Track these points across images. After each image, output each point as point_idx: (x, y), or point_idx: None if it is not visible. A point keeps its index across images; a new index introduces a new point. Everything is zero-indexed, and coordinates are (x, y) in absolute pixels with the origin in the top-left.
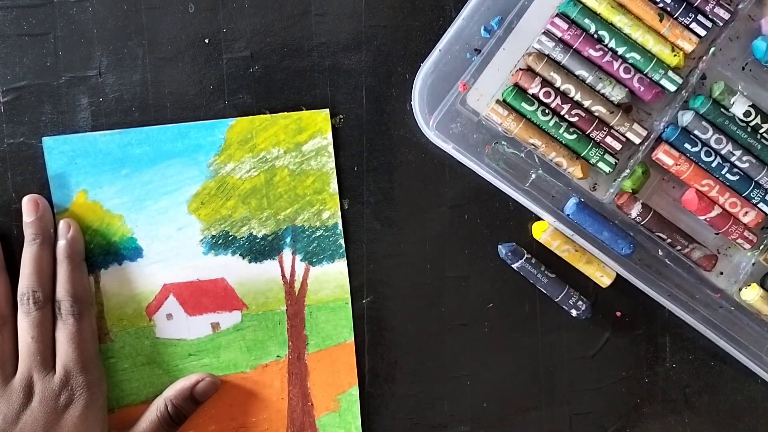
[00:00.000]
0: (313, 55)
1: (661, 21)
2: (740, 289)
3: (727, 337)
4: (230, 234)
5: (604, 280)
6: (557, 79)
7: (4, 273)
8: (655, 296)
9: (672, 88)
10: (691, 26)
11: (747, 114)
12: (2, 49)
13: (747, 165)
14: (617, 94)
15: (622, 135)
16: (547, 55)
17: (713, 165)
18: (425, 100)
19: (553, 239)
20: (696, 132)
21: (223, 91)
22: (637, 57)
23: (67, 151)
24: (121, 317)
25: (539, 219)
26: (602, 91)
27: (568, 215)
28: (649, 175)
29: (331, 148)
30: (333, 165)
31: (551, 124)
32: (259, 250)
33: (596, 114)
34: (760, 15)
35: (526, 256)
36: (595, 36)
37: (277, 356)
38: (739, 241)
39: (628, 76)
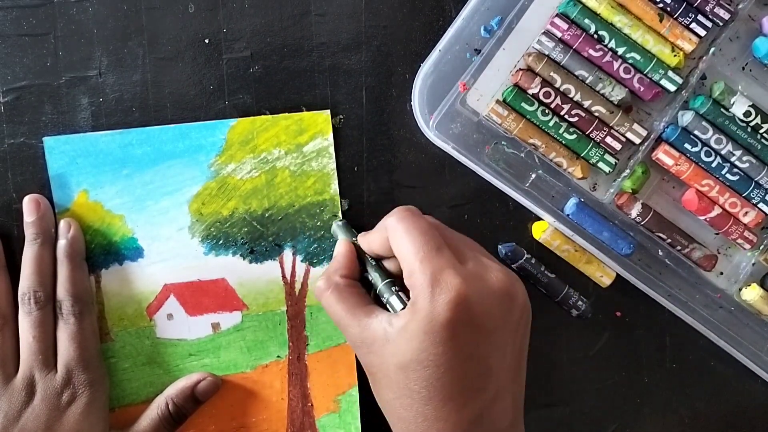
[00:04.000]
0: (313, 55)
1: (661, 21)
2: (740, 289)
3: (727, 337)
4: (231, 235)
5: (604, 280)
6: (557, 79)
7: (5, 273)
8: (655, 296)
9: (672, 88)
10: (691, 26)
11: (747, 114)
12: (2, 49)
13: (747, 165)
14: (617, 94)
15: (622, 135)
16: (547, 55)
17: (713, 165)
18: (425, 100)
19: (553, 239)
20: (696, 132)
21: (223, 91)
22: (637, 57)
23: (68, 151)
24: (122, 317)
25: (539, 219)
26: (602, 91)
27: (568, 215)
28: (649, 175)
29: (332, 149)
30: (334, 166)
31: (551, 124)
32: (260, 250)
33: (596, 114)
34: (760, 15)
35: (526, 256)
36: (595, 36)
37: (278, 357)
38: (739, 241)
39: (628, 76)
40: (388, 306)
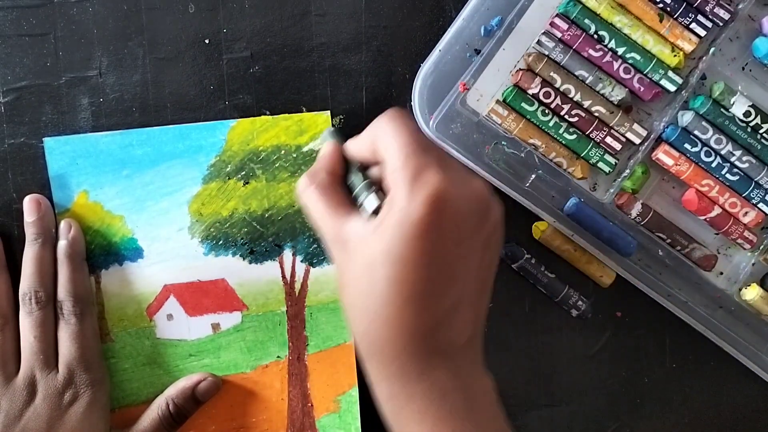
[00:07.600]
0: (313, 56)
1: (661, 21)
2: (740, 289)
3: (727, 337)
4: (231, 235)
5: (604, 280)
6: (557, 80)
7: (6, 273)
8: (655, 296)
9: (672, 88)
10: (691, 26)
11: (747, 114)
12: (2, 50)
13: (747, 165)
14: (617, 94)
15: (622, 135)
16: (547, 56)
17: (713, 165)
18: (425, 100)
19: (553, 239)
20: (696, 132)
21: (223, 91)
22: (637, 57)
23: (68, 152)
24: (122, 317)
25: (539, 219)
26: (602, 91)
27: (568, 215)
28: (649, 175)
29: None
30: None
31: (551, 124)
32: (260, 251)
33: (596, 114)
34: (760, 15)
35: (526, 256)
36: (595, 36)
37: (278, 357)
38: (739, 241)
39: (628, 76)
40: (362, 207)
